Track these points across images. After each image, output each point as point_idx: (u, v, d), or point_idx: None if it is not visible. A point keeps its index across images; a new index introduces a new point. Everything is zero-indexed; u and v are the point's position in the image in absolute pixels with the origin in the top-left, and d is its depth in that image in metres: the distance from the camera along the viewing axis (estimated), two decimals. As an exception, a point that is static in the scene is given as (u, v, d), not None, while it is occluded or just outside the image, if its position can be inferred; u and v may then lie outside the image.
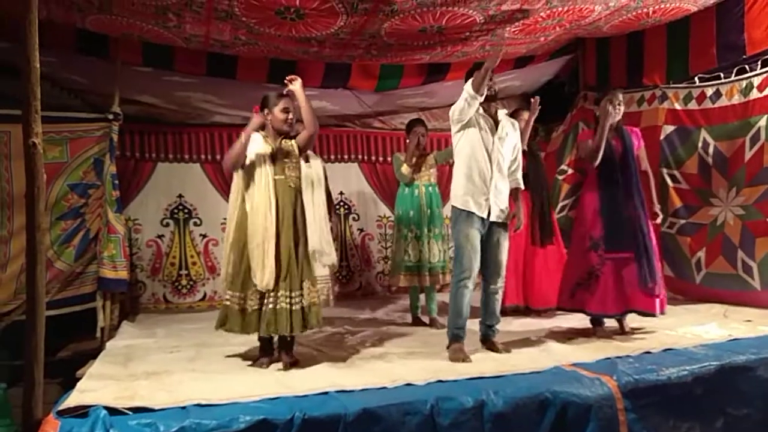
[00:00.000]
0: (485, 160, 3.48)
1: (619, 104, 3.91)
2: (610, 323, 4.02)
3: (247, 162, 3.43)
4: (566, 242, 4.74)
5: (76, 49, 4.54)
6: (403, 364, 3.29)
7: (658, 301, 3.78)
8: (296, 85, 3.46)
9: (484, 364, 3.23)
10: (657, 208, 4.03)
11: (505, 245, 3.61)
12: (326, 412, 2.50)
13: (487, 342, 3.66)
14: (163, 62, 4.90)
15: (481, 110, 3.54)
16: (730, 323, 4.01)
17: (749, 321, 4.01)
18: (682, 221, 4.98)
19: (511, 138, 3.62)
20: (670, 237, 5.06)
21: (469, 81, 3.41)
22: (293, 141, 3.56)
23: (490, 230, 3.54)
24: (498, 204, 3.53)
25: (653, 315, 3.78)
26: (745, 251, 4.46)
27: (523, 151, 4.46)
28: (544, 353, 3.48)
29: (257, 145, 3.46)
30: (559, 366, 3.10)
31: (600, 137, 3.83)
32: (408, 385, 2.84)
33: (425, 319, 4.68)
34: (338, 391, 2.73)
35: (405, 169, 4.64)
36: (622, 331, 3.93)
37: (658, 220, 4.07)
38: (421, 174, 4.69)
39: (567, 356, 3.33)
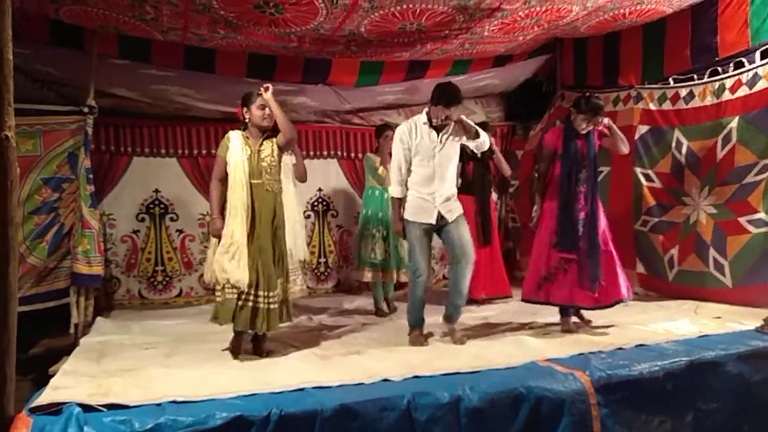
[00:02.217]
0: (431, 176, 3.77)
1: (599, 124, 3.96)
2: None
3: (228, 164, 3.50)
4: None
5: (49, 41, 4.46)
6: (380, 360, 3.31)
7: (604, 295, 3.96)
8: (267, 94, 3.51)
9: (459, 360, 3.26)
10: None
11: (464, 230, 3.84)
12: (303, 408, 2.51)
13: (450, 320, 3.89)
14: (140, 55, 4.84)
15: (426, 125, 3.77)
16: (700, 319, 4.10)
17: (719, 318, 4.10)
18: (656, 219, 5.07)
19: (451, 145, 3.81)
20: (644, 235, 5.15)
21: (395, 188, 3.84)
22: (274, 141, 3.59)
23: (446, 225, 3.81)
24: (445, 207, 3.79)
25: (584, 308, 4.04)
26: (716, 249, 4.55)
27: (474, 157, 4.66)
28: (518, 348, 3.52)
29: (237, 147, 3.51)
30: (533, 361, 3.15)
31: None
32: (385, 380, 2.86)
33: (386, 309, 5.04)
34: (315, 387, 2.74)
35: (381, 170, 4.96)
36: (584, 323, 4.09)
37: None
38: (388, 178, 4.81)
39: (541, 351, 3.39)
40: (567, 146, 4.00)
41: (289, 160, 4.82)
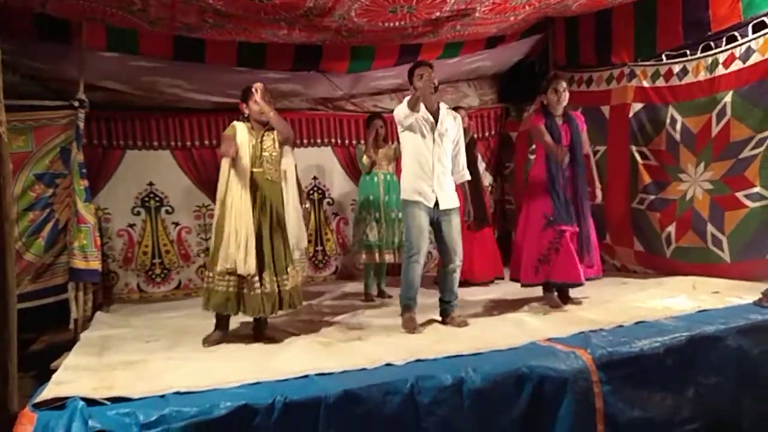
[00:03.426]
0: (428, 156, 3.78)
1: (564, 90, 4.16)
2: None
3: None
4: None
5: (36, 35, 4.40)
6: (381, 345, 3.33)
7: (589, 271, 4.18)
8: (258, 99, 3.60)
9: (461, 342, 3.27)
10: (598, 189, 4.34)
11: (456, 226, 3.88)
12: (307, 395, 2.51)
13: (446, 317, 3.87)
14: (129, 47, 4.79)
15: (422, 109, 3.78)
16: (699, 295, 4.11)
17: (717, 292, 4.12)
18: (652, 197, 5.07)
19: (451, 132, 3.87)
20: (641, 213, 5.16)
21: (406, 99, 3.76)
22: (274, 134, 3.67)
23: (441, 217, 3.83)
24: (444, 193, 3.81)
25: (580, 284, 4.13)
26: (714, 225, 4.56)
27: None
28: (519, 329, 3.54)
29: (241, 136, 3.59)
30: (534, 341, 3.16)
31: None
32: (387, 365, 2.87)
33: (374, 294, 5.16)
34: (318, 374, 2.74)
35: (365, 159, 5.09)
36: (569, 300, 4.21)
37: (598, 200, 4.38)
38: (380, 163, 5.14)
39: (542, 331, 3.40)
40: (548, 129, 4.16)
41: (292, 160, 4.96)
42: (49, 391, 2.56)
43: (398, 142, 5.22)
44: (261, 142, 3.64)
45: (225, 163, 3.59)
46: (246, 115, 3.70)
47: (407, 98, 3.78)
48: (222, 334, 3.62)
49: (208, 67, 5.16)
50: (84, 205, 4.55)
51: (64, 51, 4.58)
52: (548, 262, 4.13)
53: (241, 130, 3.63)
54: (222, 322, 3.66)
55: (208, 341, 3.56)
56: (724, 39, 4.53)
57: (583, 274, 4.08)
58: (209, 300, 3.54)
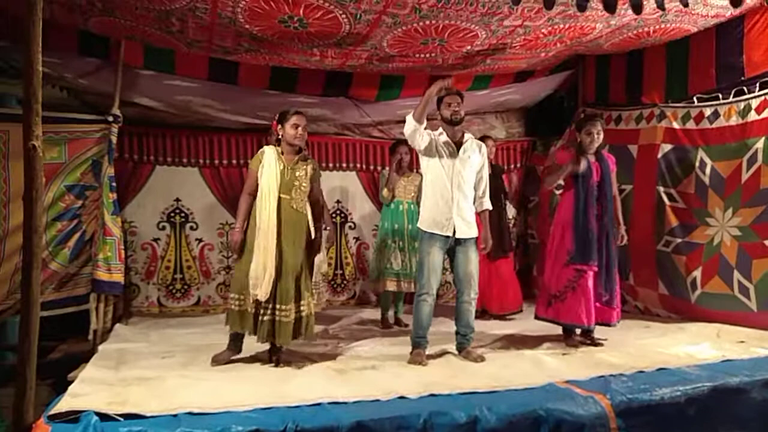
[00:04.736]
0: (447, 184, 3.75)
1: (598, 133, 4.16)
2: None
3: (260, 177, 3.57)
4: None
5: (77, 50, 4.54)
6: (396, 376, 3.29)
7: (615, 312, 4.16)
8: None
9: (477, 379, 3.22)
10: (623, 229, 4.32)
11: (473, 258, 3.84)
12: (319, 424, 2.49)
13: (462, 351, 3.82)
14: (165, 66, 4.91)
15: (444, 136, 3.80)
16: (723, 344, 4.01)
17: (742, 342, 4.02)
18: (678, 240, 4.99)
19: (474, 160, 3.85)
20: (666, 256, 5.07)
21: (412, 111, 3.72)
22: (308, 167, 3.68)
23: (458, 246, 3.79)
24: (462, 222, 3.76)
25: (609, 325, 4.15)
26: (741, 272, 4.47)
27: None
28: (537, 369, 3.48)
29: (271, 161, 3.59)
30: (552, 383, 3.10)
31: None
32: (401, 398, 2.84)
33: (391, 322, 5.14)
34: (331, 403, 2.72)
35: (385, 192, 5.08)
36: (591, 342, 4.13)
37: (624, 242, 4.35)
38: (405, 191, 5.12)
39: (560, 372, 3.34)
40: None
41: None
42: (64, 403, 2.59)
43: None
44: (292, 170, 3.62)
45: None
46: (277, 138, 3.69)
47: (413, 110, 3.75)
48: (231, 354, 3.60)
49: (240, 89, 5.26)
50: (111, 217, 4.63)
51: (102, 66, 4.71)
52: (563, 299, 4.12)
53: (270, 155, 3.61)
54: (235, 342, 3.64)
55: (216, 361, 3.54)
56: (757, 84, 4.50)
57: (594, 318, 4.06)
58: (233, 322, 3.54)
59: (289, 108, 3.74)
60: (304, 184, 3.64)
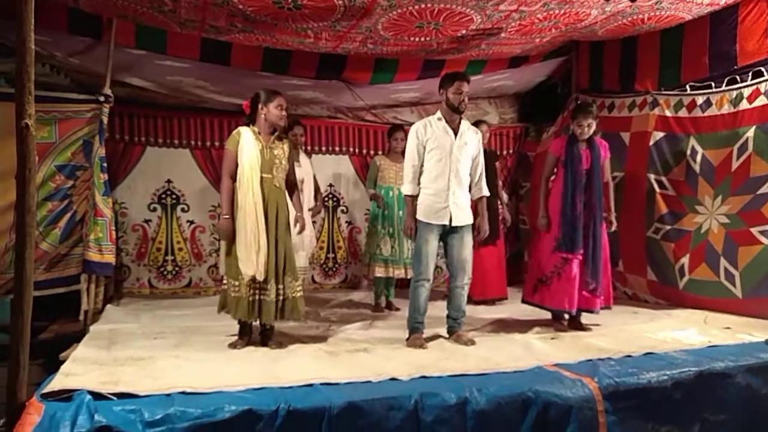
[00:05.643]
0: (445, 172, 3.77)
1: (588, 126, 4.19)
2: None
3: (239, 160, 3.56)
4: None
5: (67, 29, 4.47)
6: (388, 358, 3.32)
7: (598, 300, 4.19)
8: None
9: (467, 361, 3.26)
10: (613, 216, 4.38)
11: (468, 244, 3.87)
12: (311, 405, 2.52)
13: (453, 334, 3.86)
14: (157, 45, 4.84)
15: (442, 121, 3.82)
16: (709, 330, 4.08)
17: (728, 328, 4.08)
18: (668, 227, 5.04)
19: (470, 147, 3.87)
20: (655, 242, 5.12)
21: (408, 186, 3.84)
22: (284, 146, 3.70)
23: (453, 232, 3.83)
24: (458, 209, 3.80)
25: (593, 311, 4.20)
26: (728, 259, 4.52)
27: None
28: (526, 352, 3.53)
29: (249, 142, 3.58)
30: (541, 366, 3.14)
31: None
32: (392, 379, 2.87)
33: (383, 305, 5.19)
34: (323, 384, 2.75)
35: (370, 192, 5.20)
36: (578, 327, 4.19)
37: (613, 228, 4.40)
38: (396, 177, 5.10)
39: (549, 356, 3.38)
40: (569, 153, 4.21)
41: (310, 169, 5.16)
42: (57, 382, 2.60)
43: None
44: (270, 149, 3.63)
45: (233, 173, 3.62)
46: (252, 116, 3.68)
47: (407, 186, 3.85)
48: (248, 340, 3.63)
49: (232, 70, 5.21)
50: (102, 198, 4.60)
51: (93, 46, 4.65)
52: (548, 285, 4.20)
53: (247, 135, 3.61)
54: (246, 328, 3.67)
55: (234, 348, 3.55)
56: (750, 73, 4.51)
57: (577, 303, 4.11)
58: (237, 310, 3.54)
59: (271, 88, 3.74)
60: (283, 162, 3.68)
